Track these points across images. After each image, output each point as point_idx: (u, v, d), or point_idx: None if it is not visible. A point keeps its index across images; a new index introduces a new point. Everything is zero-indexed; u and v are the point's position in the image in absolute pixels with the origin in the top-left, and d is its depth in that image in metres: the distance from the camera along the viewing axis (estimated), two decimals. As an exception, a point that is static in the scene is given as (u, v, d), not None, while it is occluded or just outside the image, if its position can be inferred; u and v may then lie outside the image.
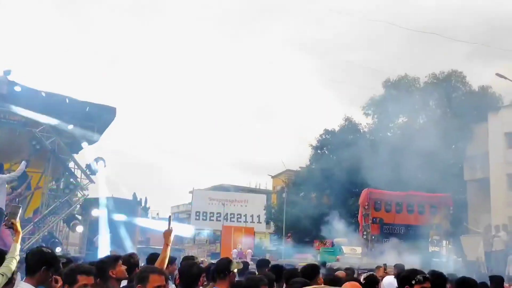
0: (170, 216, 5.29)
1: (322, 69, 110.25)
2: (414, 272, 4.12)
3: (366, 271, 12.76)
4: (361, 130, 38.87)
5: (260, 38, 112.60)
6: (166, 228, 5.03)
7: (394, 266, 10.97)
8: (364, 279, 6.23)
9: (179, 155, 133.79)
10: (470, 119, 30.86)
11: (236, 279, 5.16)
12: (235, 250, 31.19)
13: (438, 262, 19.24)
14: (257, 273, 7.55)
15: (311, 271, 5.71)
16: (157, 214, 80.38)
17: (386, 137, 36.23)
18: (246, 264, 8.82)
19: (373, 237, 20.66)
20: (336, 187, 32.22)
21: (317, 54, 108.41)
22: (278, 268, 6.96)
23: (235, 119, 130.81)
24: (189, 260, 5.76)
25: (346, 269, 10.52)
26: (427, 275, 4.06)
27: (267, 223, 47.92)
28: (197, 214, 50.47)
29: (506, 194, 28.65)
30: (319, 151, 39.07)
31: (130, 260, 5.33)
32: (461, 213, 25.03)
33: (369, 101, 38.92)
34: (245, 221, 47.30)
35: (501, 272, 15.50)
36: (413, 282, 3.95)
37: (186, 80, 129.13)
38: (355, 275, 10.00)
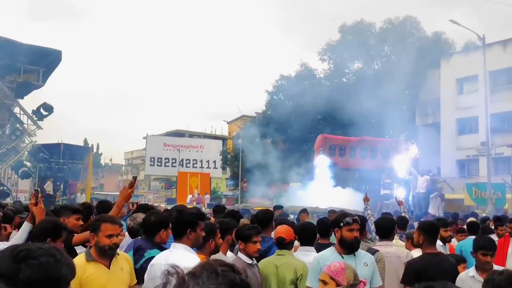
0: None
1: (278, 14, 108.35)
2: (343, 215, 4.22)
3: (321, 214, 12.97)
4: (317, 76, 38.80)
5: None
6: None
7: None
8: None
9: (133, 100, 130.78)
10: (424, 65, 31.29)
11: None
12: (190, 195, 31.22)
13: (388, 203, 19.91)
14: (213, 219, 7.49)
15: (265, 216, 5.69)
16: (110, 160, 79.36)
17: (342, 83, 36.41)
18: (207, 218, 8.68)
19: (328, 181, 20.97)
20: (292, 132, 32.41)
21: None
22: (233, 214, 6.95)
23: (191, 64, 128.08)
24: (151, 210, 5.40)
25: (302, 211, 10.59)
26: (355, 217, 4.16)
27: (223, 168, 48.12)
28: (152, 160, 49.90)
29: (455, 139, 29.72)
30: (275, 97, 38.91)
31: (84, 210, 5.30)
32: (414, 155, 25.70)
33: (325, 46, 38.72)
34: (201, 167, 47.22)
35: (424, 211, 16.53)
36: (341, 224, 4.06)
37: (139, 22, 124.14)
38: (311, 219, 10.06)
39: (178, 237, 3.51)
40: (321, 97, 30.96)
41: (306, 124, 31.26)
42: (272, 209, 9.05)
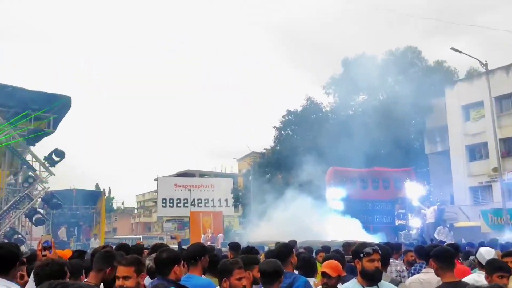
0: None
1: (282, 50, 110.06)
2: (363, 245, 4.16)
3: (337, 247, 12.88)
4: (323, 109, 39.14)
5: (223, 17, 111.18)
6: None
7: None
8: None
9: (142, 143, 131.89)
10: (428, 94, 31.50)
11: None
12: (203, 235, 31.05)
13: (404, 234, 19.73)
14: (230, 256, 7.46)
15: (285, 250, 5.47)
16: (122, 203, 79.48)
17: (348, 115, 36.63)
18: (213, 249, 8.74)
19: (341, 213, 20.86)
20: (302, 167, 32.40)
21: (278, 35, 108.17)
22: (250, 250, 7.02)
23: (198, 104, 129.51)
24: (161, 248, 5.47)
25: (323, 247, 10.52)
26: (375, 247, 4.10)
27: (235, 206, 47.93)
28: (164, 201, 49.91)
29: (466, 166, 29.56)
30: (282, 132, 39.17)
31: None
32: (424, 185, 25.61)
33: (329, 80, 39.24)
34: (213, 206, 47.10)
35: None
36: (361, 255, 4.02)
37: (144, 64, 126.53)
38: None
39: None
40: (329, 130, 31.08)
41: (315, 157, 31.28)
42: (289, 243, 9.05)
